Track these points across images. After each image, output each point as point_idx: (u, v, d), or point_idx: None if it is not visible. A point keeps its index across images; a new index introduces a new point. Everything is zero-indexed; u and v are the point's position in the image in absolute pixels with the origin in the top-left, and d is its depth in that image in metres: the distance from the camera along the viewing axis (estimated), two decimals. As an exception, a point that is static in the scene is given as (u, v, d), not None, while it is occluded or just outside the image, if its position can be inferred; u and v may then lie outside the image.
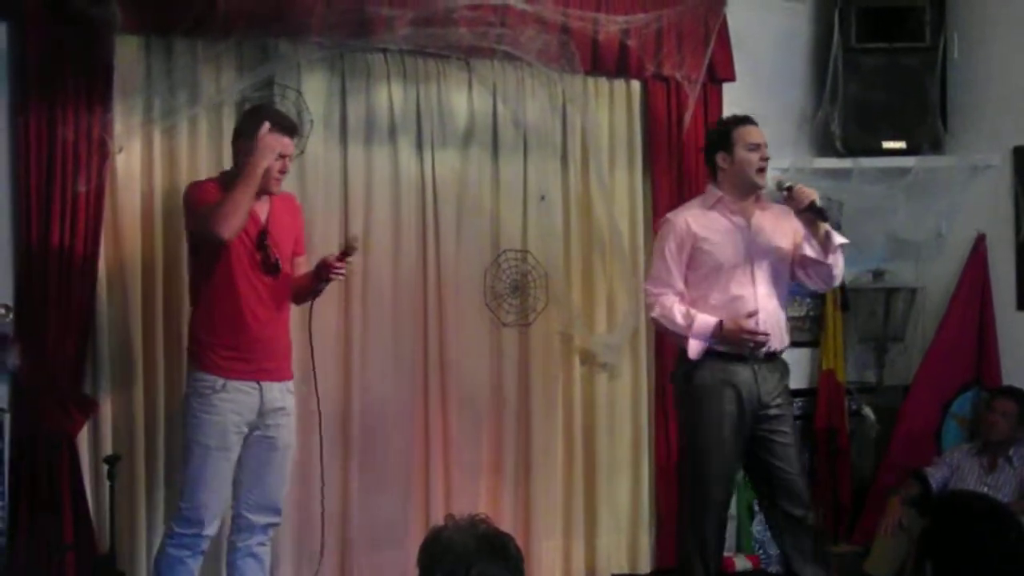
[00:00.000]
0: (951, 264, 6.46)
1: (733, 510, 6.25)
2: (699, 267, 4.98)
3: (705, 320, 4.90)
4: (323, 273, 4.79)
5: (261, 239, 4.67)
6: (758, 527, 6.39)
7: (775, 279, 5.04)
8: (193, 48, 5.14)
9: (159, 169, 5.13)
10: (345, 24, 5.19)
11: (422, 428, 5.65)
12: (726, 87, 6.21)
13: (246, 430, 4.69)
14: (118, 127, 4.96)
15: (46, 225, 4.83)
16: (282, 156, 4.69)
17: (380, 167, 5.57)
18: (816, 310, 6.58)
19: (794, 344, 6.49)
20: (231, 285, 4.63)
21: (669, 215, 5.14)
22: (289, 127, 4.76)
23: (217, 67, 5.19)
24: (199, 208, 4.61)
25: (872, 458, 6.52)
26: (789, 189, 4.93)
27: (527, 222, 5.88)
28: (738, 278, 4.95)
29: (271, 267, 4.70)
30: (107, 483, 4.87)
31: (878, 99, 6.36)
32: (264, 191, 4.70)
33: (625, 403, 6.11)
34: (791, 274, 5.11)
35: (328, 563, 5.42)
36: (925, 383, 6.43)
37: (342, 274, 4.82)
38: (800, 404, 6.55)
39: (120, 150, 4.96)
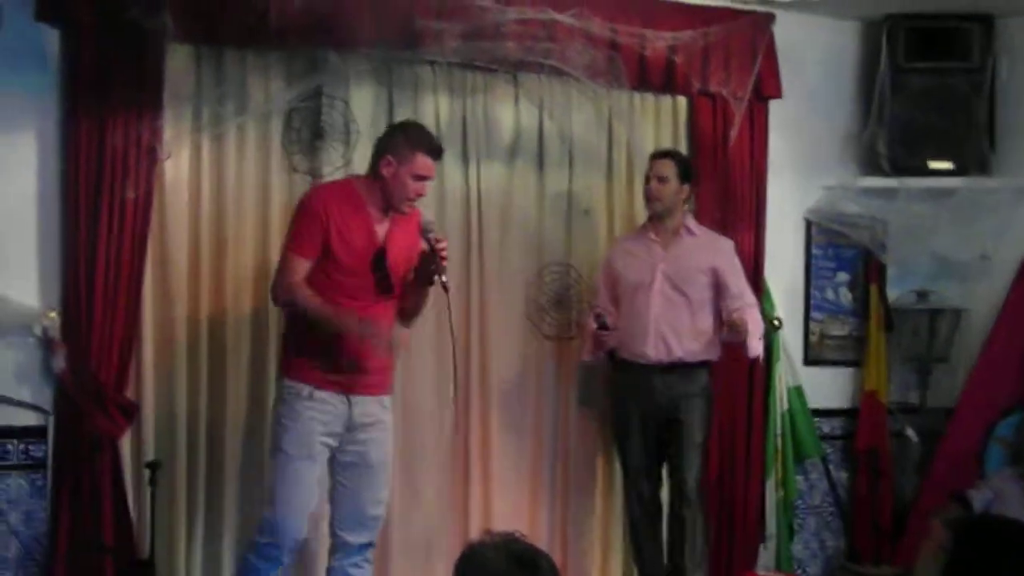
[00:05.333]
0: (997, 286, 6.40)
1: (772, 529, 6.23)
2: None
3: None
4: (428, 265, 4.60)
5: (378, 260, 4.60)
6: (797, 546, 6.36)
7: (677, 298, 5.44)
8: (243, 58, 5.18)
9: (207, 176, 5.16)
10: (394, 37, 5.21)
11: (462, 439, 5.64)
12: (772, 104, 6.18)
13: (333, 443, 4.63)
14: (167, 134, 4.98)
15: (94, 230, 4.86)
16: (423, 178, 4.64)
17: (426, 179, 5.59)
18: (859, 330, 6.54)
19: (836, 363, 6.52)
20: (336, 301, 4.55)
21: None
22: (436, 149, 4.68)
23: (266, 77, 5.22)
24: (289, 250, 4.59)
25: (914, 480, 6.47)
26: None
27: (571, 236, 5.88)
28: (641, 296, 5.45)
29: (385, 287, 4.63)
30: (148, 488, 4.90)
31: (925, 119, 6.31)
32: (394, 210, 4.65)
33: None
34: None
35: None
36: (969, 405, 6.36)
37: (444, 254, 4.61)
38: (841, 424, 6.55)
39: (168, 156, 4.99)
